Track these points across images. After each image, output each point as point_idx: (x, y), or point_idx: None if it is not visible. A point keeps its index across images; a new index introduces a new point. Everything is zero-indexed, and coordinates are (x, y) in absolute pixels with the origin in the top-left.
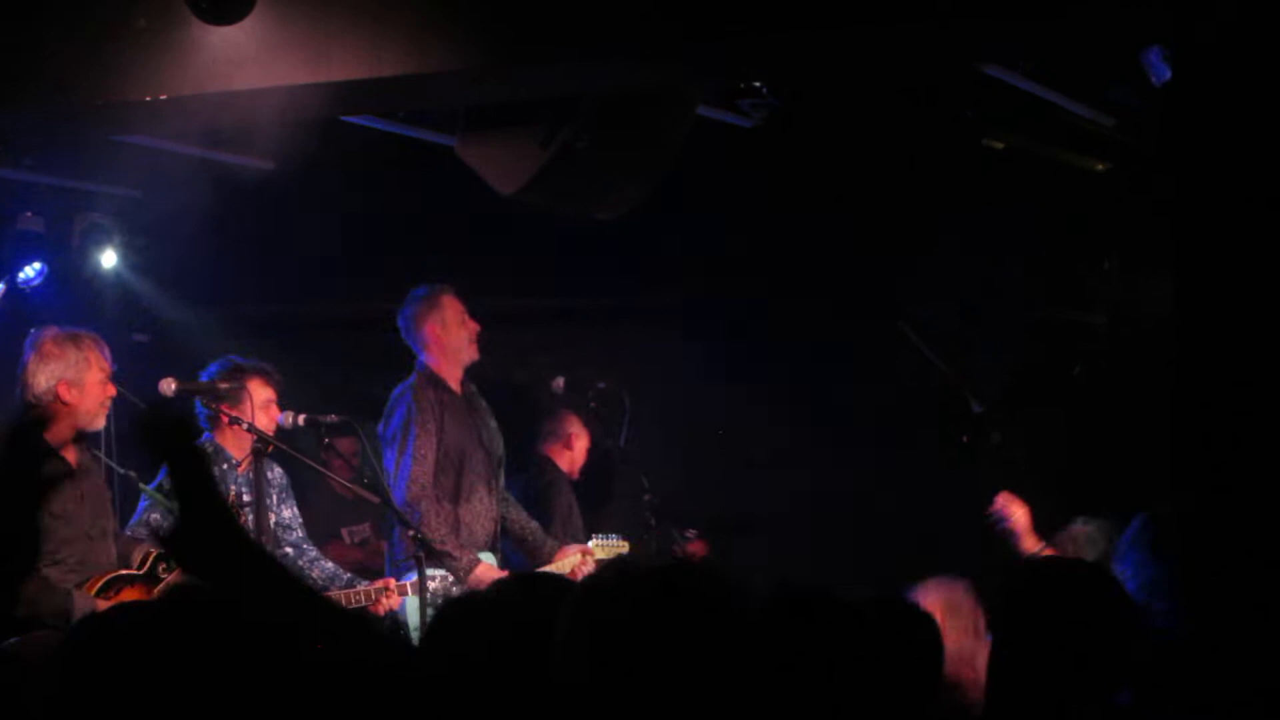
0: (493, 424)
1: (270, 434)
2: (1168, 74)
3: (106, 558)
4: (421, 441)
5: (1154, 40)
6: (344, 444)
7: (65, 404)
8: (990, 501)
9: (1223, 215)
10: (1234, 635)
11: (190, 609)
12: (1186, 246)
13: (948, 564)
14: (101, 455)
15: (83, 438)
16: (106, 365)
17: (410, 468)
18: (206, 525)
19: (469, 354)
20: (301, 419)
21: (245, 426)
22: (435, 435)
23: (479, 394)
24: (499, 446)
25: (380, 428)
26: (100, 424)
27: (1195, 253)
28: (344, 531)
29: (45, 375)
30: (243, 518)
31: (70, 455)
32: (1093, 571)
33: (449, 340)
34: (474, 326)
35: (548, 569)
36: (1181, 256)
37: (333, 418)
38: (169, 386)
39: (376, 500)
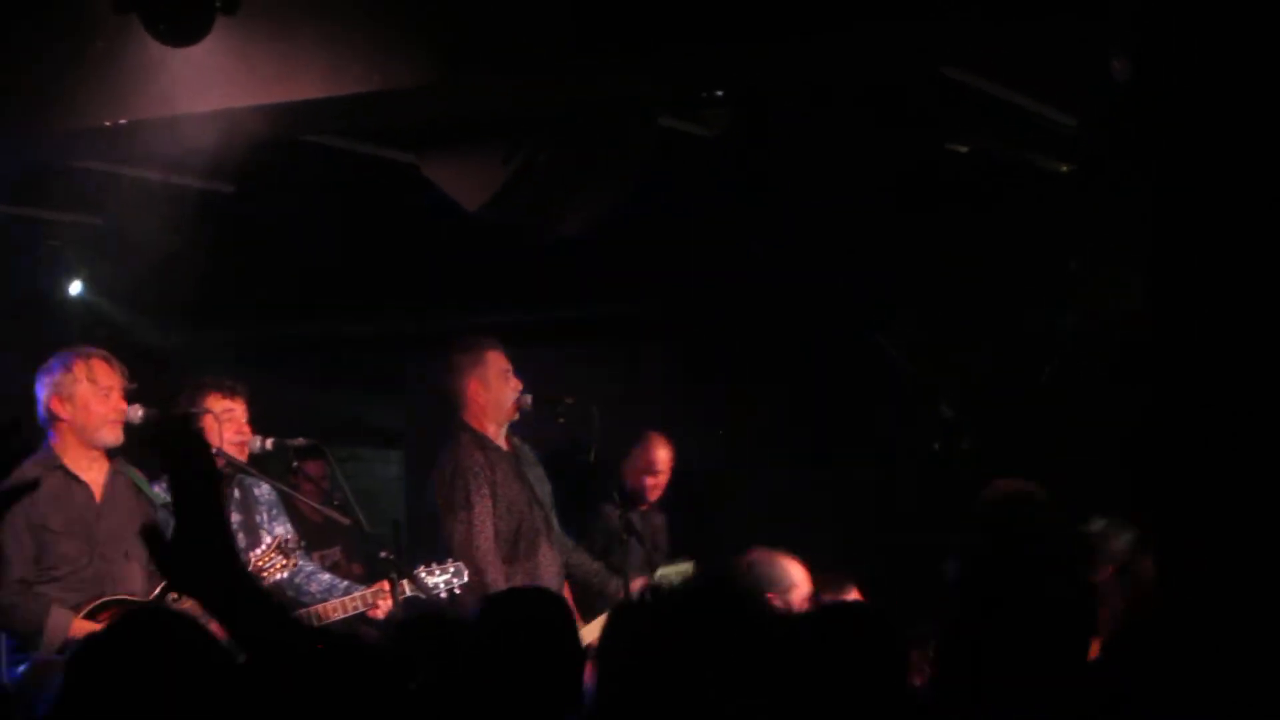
0: (540, 471)
1: (237, 446)
2: (1130, 72)
3: (126, 582)
4: (478, 510)
5: (1117, 38)
6: (312, 467)
7: (61, 419)
8: (963, 507)
9: (1193, 213)
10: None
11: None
12: (1158, 245)
13: (924, 570)
14: (141, 479)
15: (111, 456)
16: (104, 379)
17: (471, 537)
18: (204, 545)
19: (509, 413)
20: (269, 443)
21: (214, 451)
22: (489, 500)
23: (524, 443)
24: (549, 494)
25: (430, 491)
26: (110, 438)
27: (1167, 251)
28: (315, 556)
29: (43, 394)
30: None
31: (91, 475)
32: None
33: (490, 398)
34: (517, 384)
35: None
36: (1154, 255)
37: (301, 441)
38: (135, 413)
39: (348, 522)
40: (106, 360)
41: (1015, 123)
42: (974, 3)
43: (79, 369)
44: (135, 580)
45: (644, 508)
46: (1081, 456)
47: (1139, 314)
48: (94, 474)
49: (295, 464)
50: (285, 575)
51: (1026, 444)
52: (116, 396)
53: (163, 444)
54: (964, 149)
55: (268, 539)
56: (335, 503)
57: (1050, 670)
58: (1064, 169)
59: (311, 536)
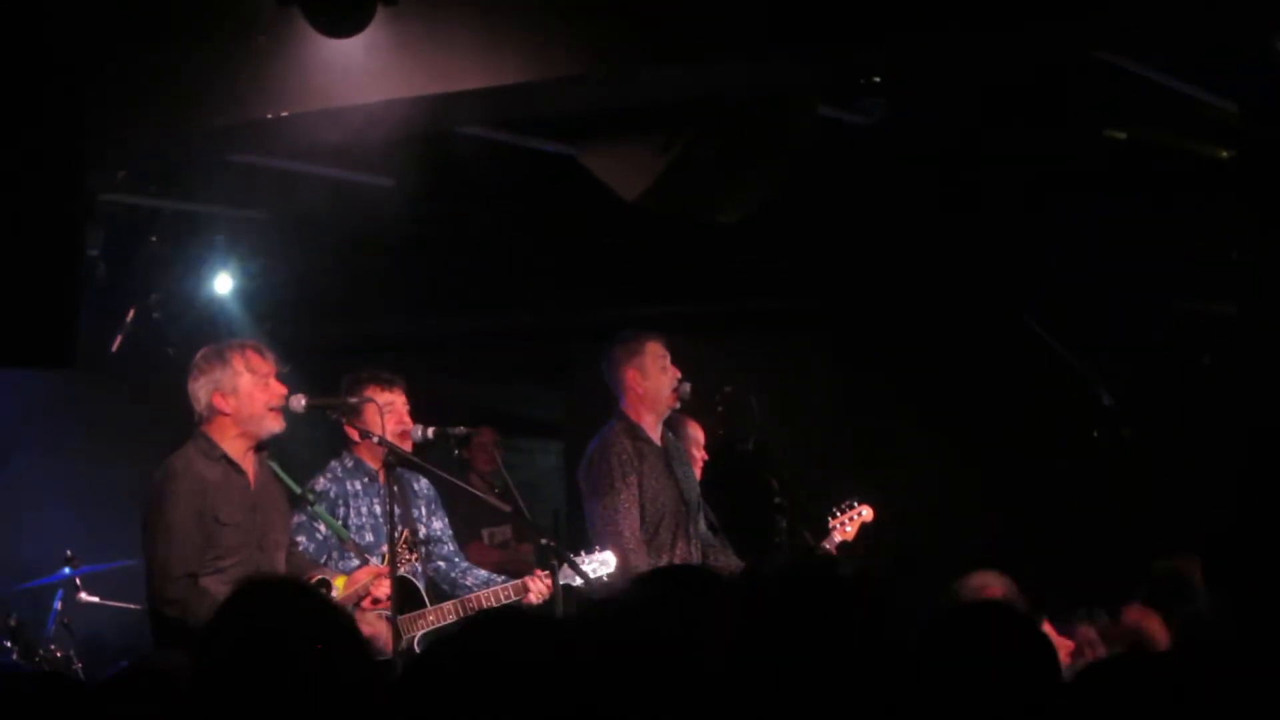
0: (690, 470)
1: (398, 436)
2: None
3: (274, 571)
4: (623, 497)
5: (1277, 19)
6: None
7: (225, 414)
8: (1123, 496)
9: None
10: None
11: None
12: None
13: (1080, 560)
14: (278, 469)
15: (263, 447)
16: (262, 367)
17: (615, 522)
18: None
19: (668, 402)
20: (431, 432)
21: (376, 440)
22: (635, 489)
23: (676, 440)
24: (695, 493)
25: (579, 475)
26: (274, 426)
27: None
28: (484, 533)
29: (202, 391)
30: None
31: (248, 465)
32: None
33: (648, 387)
34: (675, 373)
35: None
36: None
37: (463, 430)
38: (299, 402)
39: (508, 509)
40: (259, 349)
41: (1175, 109)
42: None
43: (237, 362)
44: (281, 568)
45: None
46: (1243, 446)
47: None
48: (248, 463)
49: (456, 452)
50: (413, 567)
51: (1186, 433)
52: (275, 383)
53: None
54: (1122, 135)
55: (423, 532)
56: (496, 490)
57: None
58: (1224, 155)
59: (483, 515)
